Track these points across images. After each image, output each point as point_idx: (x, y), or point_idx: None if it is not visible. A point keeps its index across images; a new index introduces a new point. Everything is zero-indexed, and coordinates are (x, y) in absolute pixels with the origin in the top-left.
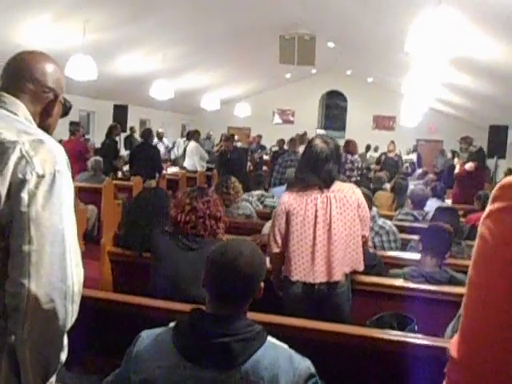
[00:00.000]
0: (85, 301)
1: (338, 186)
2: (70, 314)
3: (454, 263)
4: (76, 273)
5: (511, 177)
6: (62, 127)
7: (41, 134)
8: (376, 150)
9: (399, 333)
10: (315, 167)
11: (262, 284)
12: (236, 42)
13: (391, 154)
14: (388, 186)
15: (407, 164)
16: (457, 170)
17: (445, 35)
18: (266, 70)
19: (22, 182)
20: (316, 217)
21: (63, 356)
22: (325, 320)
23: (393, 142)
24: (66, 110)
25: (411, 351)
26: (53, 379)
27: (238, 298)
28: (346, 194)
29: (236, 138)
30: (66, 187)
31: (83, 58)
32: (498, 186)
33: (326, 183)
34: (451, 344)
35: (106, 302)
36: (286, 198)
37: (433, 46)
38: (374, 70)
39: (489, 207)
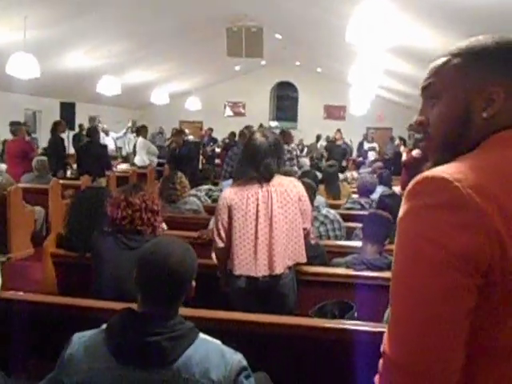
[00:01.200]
0: (28, 305)
1: (278, 179)
2: None
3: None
4: None
5: (428, 172)
6: (4, 127)
7: None
8: (327, 139)
9: (337, 321)
10: (254, 161)
11: (194, 283)
12: (183, 35)
13: (339, 142)
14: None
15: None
16: (404, 157)
17: (383, 25)
18: (216, 62)
19: None
20: (257, 211)
21: None
22: (271, 312)
23: (339, 131)
24: None
25: (351, 338)
26: None
27: (168, 297)
28: (286, 187)
29: (187, 131)
30: None
31: (25, 55)
32: (415, 180)
33: (264, 177)
34: (385, 341)
35: (49, 305)
36: (227, 193)
37: (373, 36)
38: (322, 60)
39: (408, 203)
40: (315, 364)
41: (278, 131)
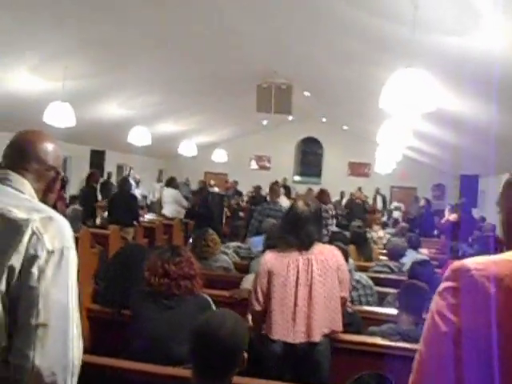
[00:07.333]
0: None
1: (318, 247)
2: None
3: None
4: (77, 347)
5: (462, 260)
6: None
7: (49, 211)
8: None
9: None
10: (295, 228)
11: (246, 355)
12: (213, 89)
13: (358, 201)
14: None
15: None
16: (443, 220)
17: (415, 93)
18: (243, 116)
19: (33, 258)
20: (297, 278)
21: None
22: (304, 378)
23: (359, 189)
24: (63, 184)
25: None
26: None
27: (221, 369)
28: (326, 256)
29: (212, 183)
30: (73, 262)
31: (62, 104)
32: (451, 266)
33: (305, 244)
34: None
35: (85, 365)
36: (267, 258)
37: (404, 103)
38: (349, 118)
39: (441, 285)
40: None
41: (303, 186)
